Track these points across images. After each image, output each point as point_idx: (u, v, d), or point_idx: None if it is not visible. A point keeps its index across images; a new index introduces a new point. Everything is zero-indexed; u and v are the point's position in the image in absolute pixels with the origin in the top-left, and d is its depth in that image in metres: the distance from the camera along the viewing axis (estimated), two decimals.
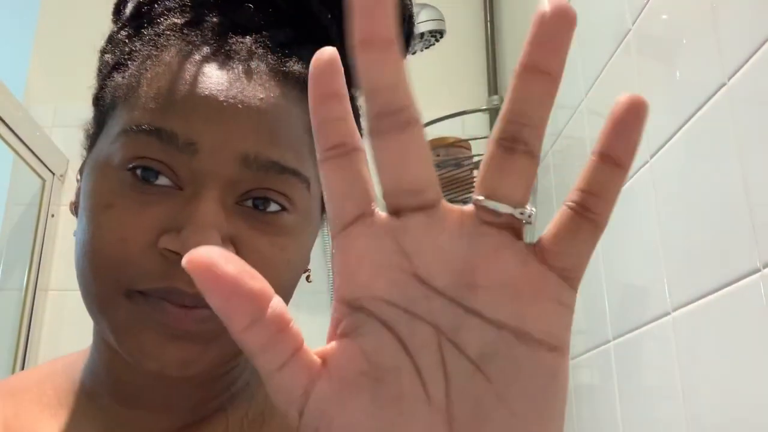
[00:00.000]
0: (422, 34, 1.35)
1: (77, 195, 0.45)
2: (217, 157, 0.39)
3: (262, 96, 0.41)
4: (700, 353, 0.71)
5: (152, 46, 0.44)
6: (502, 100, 1.61)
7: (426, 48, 1.40)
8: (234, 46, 0.43)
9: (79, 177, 0.47)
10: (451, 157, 1.46)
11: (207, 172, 0.39)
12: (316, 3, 0.46)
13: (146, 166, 0.40)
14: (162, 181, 0.40)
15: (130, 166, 0.40)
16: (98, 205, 0.40)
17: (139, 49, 0.44)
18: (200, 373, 0.41)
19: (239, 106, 0.40)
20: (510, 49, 1.63)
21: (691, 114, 0.72)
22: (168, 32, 0.44)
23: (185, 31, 0.44)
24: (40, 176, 1.50)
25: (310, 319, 1.56)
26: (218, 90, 0.40)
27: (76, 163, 1.72)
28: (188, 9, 0.45)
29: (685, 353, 0.74)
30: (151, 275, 0.39)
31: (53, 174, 1.52)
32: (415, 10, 1.04)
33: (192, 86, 0.40)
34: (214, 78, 0.41)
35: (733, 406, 0.65)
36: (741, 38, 0.63)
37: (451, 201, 1.16)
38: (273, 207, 0.41)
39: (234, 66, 0.42)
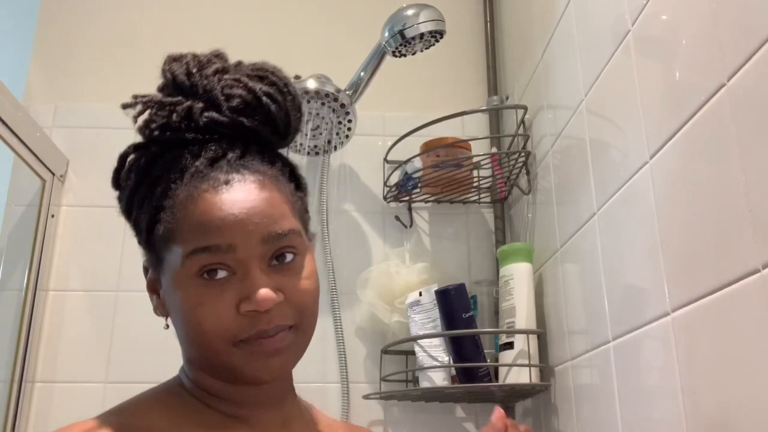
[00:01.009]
0: (422, 35, 1.35)
1: (161, 305, 0.69)
2: (248, 247, 0.62)
3: (258, 197, 0.64)
4: (700, 353, 0.71)
5: (172, 195, 0.64)
6: (502, 100, 1.62)
7: (426, 48, 1.40)
8: (230, 171, 0.65)
9: (153, 293, 0.70)
10: (451, 157, 1.46)
11: (246, 257, 0.62)
12: (275, 129, 0.70)
13: (210, 269, 0.62)
14: (221, 275, 0.63)
15: (199, 274, 0.62)
16: (193, 305, 0.63)
17: (164, 201, 0.65)
18: (287, 372, 0.69)
19: (248, 210, 0.63)
20: (510, 49, 1.63)
21: (691, 114, 0.72)
22: (177, 180, 0.65)
23: (188, 171, 0.65)
24: (40, 176, 1.50)
25: None
26: (233, 205, 0.63)
27: (75, 163, 1.71)
28: (182, 151, 0.66)
29: (685, 353, 0.74)
30: (245, 329, 0.62)
31: (53, 174, 1.52)
32: (415, 10, 1.27)
33: (217, 210, 0.63)
34: (226, 198, 0.63)
35: (733, 406, 0.65)
36: (741, 38, 0.63)
37: (450, 201, 1.18)
38: (289, 257, 0.65)
39: (235, 184, 0.64)
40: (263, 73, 0.72)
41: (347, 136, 1.54)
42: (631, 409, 0.88)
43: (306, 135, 1.51)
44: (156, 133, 0.67)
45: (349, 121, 1.50)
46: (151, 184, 0.66)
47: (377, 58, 1.43)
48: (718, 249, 0.67)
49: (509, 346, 1.23)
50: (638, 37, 0.87)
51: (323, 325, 1.50)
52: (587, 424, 1.05)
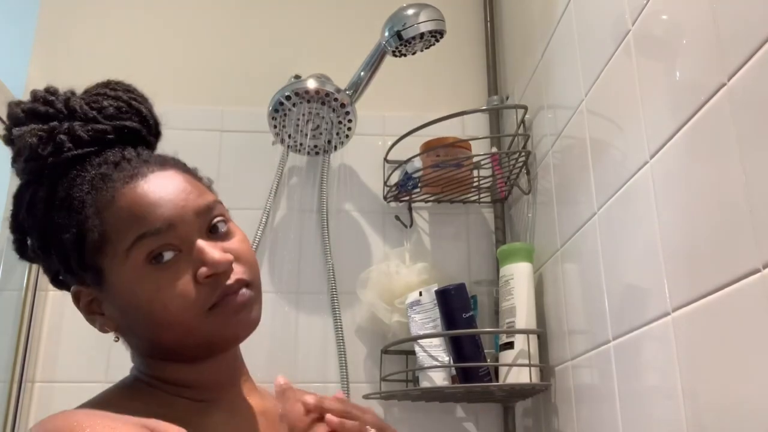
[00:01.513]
0: (422, 35, 1.35)
1: (108, 321, 0.69)
2: (185, 222, 0.66)
3: (177, 178, 0.68)
4: (700, 353, 0.71)
5: (91, 204, 0.65)
6: (502, 100, 1.62)
7: (426, 48, 1.39)
8: (137, 166, 0.67)
9: (92, 315, 0.70)
10: (451, 157, 1.46)
11: (187, 232, 0.66)
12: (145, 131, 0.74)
13: (156, 254, 0.64)
14: (168, 257, 0.65)
15: (148, 261, 0.64)
16: (153, 291, 0.64)
17: (83, 212, 0.65)
18: (256, 326, 0.69)
19: (175, 190, 0.67)
20: (510, 49, 1.63)
21: (691, 114, 0.72)
22: (90, 190, 0.66)
23: (97, 179, 0.66)
24: None
25: (310, 319, 1.57)
26: (160, 189, 0.66)
27: None
28: (84, 172, 0.67)
29: (685, 353, 0.74)
30: (211, 294, 0.65)
31: None
32: (415, 10, 1.29)
33: (147, 197, 0.65)
34: (150, 185, 0.66)
35: (733, 406, 0.65)
36: (741, 38, 0.63)
37: (450, 201, 1.18)
38: (222, 227, 0.69)
39: (149, 174, 0.67)
40: (115, 85, 0.73)
41: (347, 136, 1.54)
42: (631, 409, 0.88)
43: (306, 135, 1.51)
44: (48, 159, 0.67)
45: (349, 121, 1.50)
46: (62, 206, 0.66)
47: (377, 57, 1.43)
48: (718, 249, 0.67)
49: (509, 346, 1.23)
50: (638, 37, 0.87)
51: (323, 325, 1.50)
52: (587, 424, 1.05)
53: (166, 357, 0.69)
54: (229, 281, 0.65)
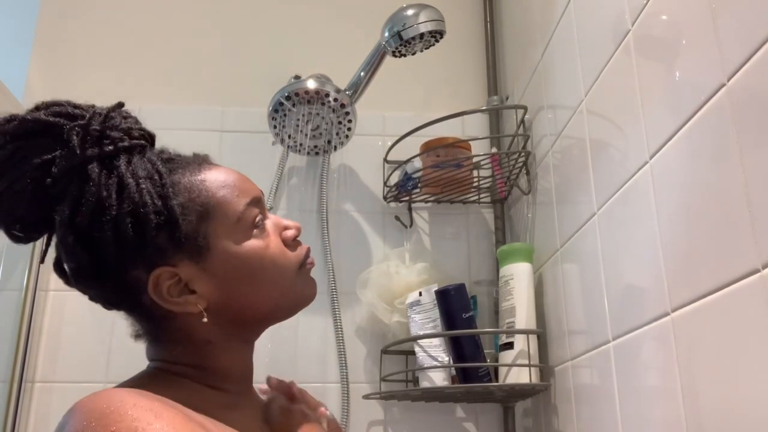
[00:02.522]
0: (422, 35, 1.35)
1: (201, 298, 0.70)
2: (262, 194, 0.77)
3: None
4: (700, 353, 0.71)
5: (176, 190, 0.68)
6: (502, 100, 1.62)
7: (426, 48, 1.40)
8: (185, 158, 0.74)
9: (188, 294, 0.70)
10: (451, 158, 1.46)
11: (263, 204, 0.76)
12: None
13: (260, 219, 0.73)
14: (264, 222, 0.74)
15: (255, 224, 0.72)
16: (262, 251, 0.72)
17: (173, 199, 0.67)
18: None
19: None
20: (510, 49, 1.63)
21: (691, 114, 0.72)
22: (164, 173, 0.68)
23: (165, 165, 0.70)
24: None
25: (310, 319, 1.57)
26: (231, 169, 0.75)
27: None
28: (143, 162, 0.69)
29: (684, 353, 0.74)
30: (300, 254, 0.76)
31: None
32: (415, 10, 1.32)
33: (233, 173, 0.74)
34: (221, 167, 0.74)
35: (733, 406, 0.65)
36: (741, 38, 0.63)
37: (450, 201, 1.18)
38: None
39: (203, 158, 0.75)
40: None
41: (347, 136, 1.54)
42: (631, 409, 0.88)
43: (306, 135, 1.51)
44: (116, 144, 0.68)
45: (349, 121, 1.50)
46: (148, 197, 0.65)
47: (377, 58, 1.43)
48: (718, 249, 0.67)
49: (509, 346, 1.23)
50: (638, 37, 0.87)
51: (323, 325, 1.50)
52: (587, 424, 1.05)
53: (245, 324, 0.73)
54: (304, 245, 0.77)
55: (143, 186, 0.65)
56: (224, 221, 0.69)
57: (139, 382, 0.69)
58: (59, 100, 0.72)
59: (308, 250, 0.77)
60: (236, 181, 0.73)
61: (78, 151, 0.65)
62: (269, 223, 0.75)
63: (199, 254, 0.68)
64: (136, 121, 0.73)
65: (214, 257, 0.69)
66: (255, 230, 0.71)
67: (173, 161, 0.71)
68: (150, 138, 0.73)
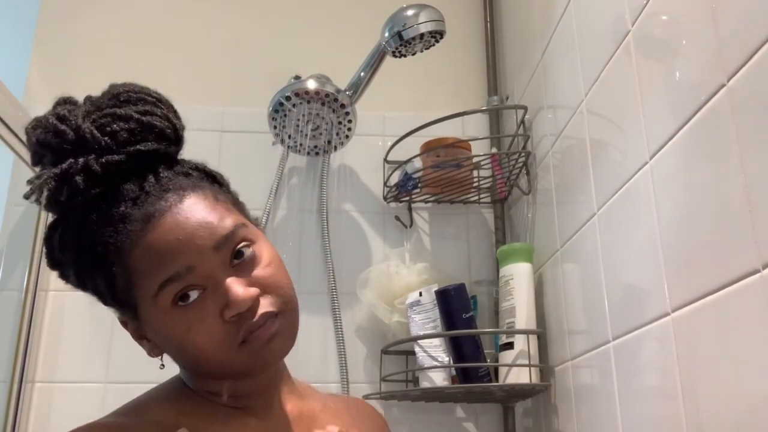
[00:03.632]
0: (422, 35, 1.35)
1: (154, 347, 0.71)
2: (205, 261, 0.64)
3: (192, 211, 0.65)
4: (700, 353, 0.71)
5: (113, 250, 0.64)
6: (502, 100, 1.62)
7: (426, 48, 1.39)
8: (155, 201, 0.65)
9: (142, 340, 0.72)
10: (451, 158, 1.46)
11: (208, 271, 0.64)
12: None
13: (182, 295, 0.64)
14: (194, 296, 0.64)
15: (174, 303, 0.64)
16: (183, 333, 0.65)
17: (109, 258, 0.65)
18: (288, 352, 0.69)
19: (189, 228, 0.64)
20: (510, 49, 1.63)
21: (691, 114, 0.72)
22: (112, 235, 0.64)
23: (117, 221, 0.64)
24: None
25: (310, 319, 1.57)
26: (173, 230, 0.64)
27: None
28: (102, 207, 0.66)
29: (685, 353, 0.74)
30: (237, 334, 0.65)
31: None
32: (415, 10, 1.28)
33: (162, 241, 0.63)
34: (164, 228, 0.64)
35: (733, 406, 0.65)
36: (741, 38, 0.63)
37: (450, 201, 1.18)
38: (247, 252, 0.67)
39: (165, 212, 0.64)
40: (125, 96, 0.71)
41: (347, 136, 1.54)
42: (631, 409, 0.88)
43: (306, 135, 1.51)
44: (68, 204, 0.66)
45: (349, 121, 1.50)
46: (90, 249, 0.66)
47: (377, 58, 1.43)
48: (718, 249, 0.67)
49: (509, 346, 1.23)
50: (638, 37, 0.87)
51: (323, 325, 1.50)
52: (587, 424, 1.05)
53: (205, 377, 0.71)
54: (255, 318, 0.65)
55: (81, 251, 0.67)
56: (142, 297, 0.65)
57: (149, 395, 0.73)
58: (47, 123, 0.68)
59: (252, 325, 0.65)
60: (156, 255, 0.63)
61: (44, 204, 0.67)
62: (209, 296, 0.64)
63: (135, 317, 0.68)
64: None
65: (145, 325, 0.68)
66: (177, 309, 0.64)
67: (123, 218, 0.65)
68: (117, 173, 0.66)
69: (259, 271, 0.67)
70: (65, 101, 0.73)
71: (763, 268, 0.60)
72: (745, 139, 0.63)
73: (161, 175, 0.68)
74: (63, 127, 0.67)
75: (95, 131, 0.66)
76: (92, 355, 1.45)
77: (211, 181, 0.73)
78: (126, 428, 0.66)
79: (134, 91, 0.71)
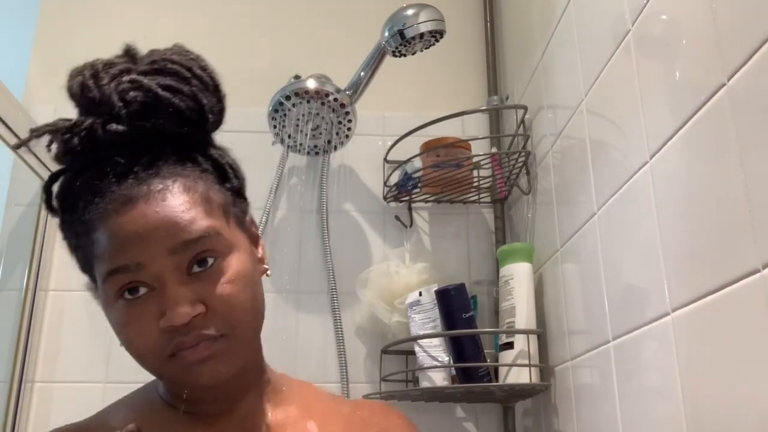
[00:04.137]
0: (422, 35, 1.35)
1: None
2: (156, 262, 0.60)
3: (163, 207, 0.61)
4: (700, 353, 0.71)
5: (85, 220, 0.63)
6: (502, 100, 1.62)
7: (426, 48, 1.39)
8: (135, 184, 0.62)
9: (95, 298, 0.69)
10: (451, 158, 1.46)
11: (158, 272, 0.60)
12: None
13: (128, 288, 0.61)
14: (142, 291, 0.61)
15: (120, 294, 0.62)
16: (120, 325, 0.63)
17: (79, 227, 0.64)
18: (230, 377, 0.63)
19: (150, 225, 0.60)
20: (510, 49, 1.63)
21: (691, 114, 0.72)
22: (88, 204, 0.62)
23: (96, 193, 0.62)
24: (40, 176, 1.50)
25: (310, 319, 1.57)
26: (135, 222, 0.60)
27: None
28: (90, 173, 0.64)
29: (685, 353, 0.74)
30: (167, 345, 0.61)
31: None
32: (415, 10, 1.25)
33: (120, 230, 0.61)
34: (128, 217, 0.61)
35: (733, 406, 0.65)
36: (741, 38, 0.63)
37: (450, 201, 1.17)
38: (210, 261, 0.62)
39: (140, 199, 0.61)
40: (161, 65, 0.67)
41: (347, 136, 1.54)
42: (631, 409, 0.88)
43: (306, 135, 1.51)
44: (61, 159, 0.65)
45: (349, 121, 1.50)
46: (70, 211, 0.65)
47: (377, 58, 1.43)
48: (718, 249, 0.67)
49: (509, 346, 1.23)
50: (638, 37, 0.87)
51: (323, 325, 1.50)
52: (587, 424, 1.05)
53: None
54: (184, 337, 0.60)
55: (65, 208, 0.66)
56: (98, 277, 0.63)
57: (116, 402, 0.75)
58: (84, 72, 0.70)
59: (180, 343, 0.61)
60: (111, 243, 0.61)
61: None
62: (154, 296, 0.61)
63: (97, 290, 0.66)
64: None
65: (100, 301, 0.66)
66: (121, 299, 0.62)
67: (98, 193, 0.63)
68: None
69: (215, 287, 0.62)
70: (126, 52, 0.72)
71: (763, 268, 0.60)
72: (745, 139, 0.63)
73: (160, 157, 0.65)
74: (90, 82, 0.66)
75: (114, 96, 0.64)
76: (92, 355, 1.45)
77: (217, 174, 0.69)
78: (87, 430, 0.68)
79: (172, 61, 0.68)
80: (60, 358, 1.45)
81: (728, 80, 0.65)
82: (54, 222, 1.53)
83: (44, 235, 1.49)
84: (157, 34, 1.71)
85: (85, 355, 1.45)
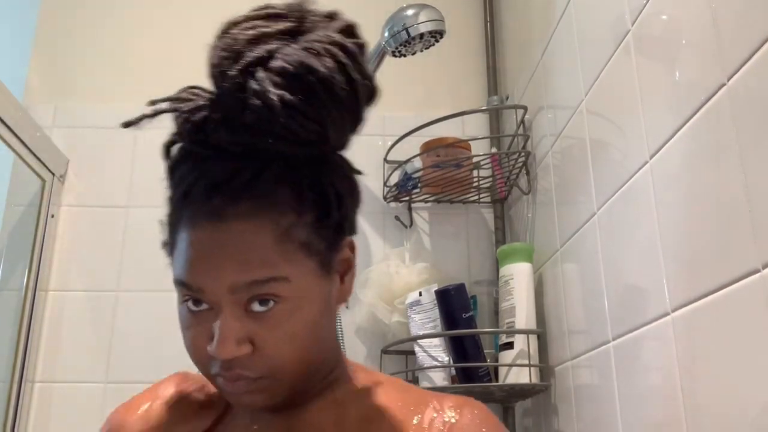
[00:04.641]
0: (422, 35, 1.35)
1: None
2: (216, 293, 0.59)
3: (238, 240, 0.58)
4: (700, 353, 0.71)
5: (173, 212, 0.62)
6: (502, 100, 1.62)
7: (426, 48, 1.40)
8: (223, 203, 0.58)
9: None
10: (451, 158, 1.46)
11: (216, 301, 0.59)
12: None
13: (192, 299, 0.61)
14: (203, 306, 0.60)
15: (185, 300, 0.61)
16: (182, 327, 0.63)
17: (168, 214, 0.63)
18: (273, 403, 0.63)
19: (219, 256, 0.58)
20: (510, 49, 1.63)
21: (691, 114, 0.72)
22: (184, 194, 0.61)
23: (193, 187, 0.60)
24: (40, 177, 1.50)
25: None
26: (206, 247, 0.59)
27: (75, 163, 1.71)
28: (193, 164, 0.61)
29: (685, 353, 0.74)
30: (212, 368, 0.61)
31: (53, 174, 1.52)
32: (415, 10, 1.22)
33: (192, 249, 0.59)
34: (203, 237, 0.59)
35: (733, 406, 0.65)
36: (741, 38, 0.63)
37: (450, 201, 1.17)
38: (271, 304, 0.59)
39: (220, 223, 0.58)
40: (301, 71, 0.58)
41: None
42: (631, 409, 0.88)
43: None
44: (174, 138, 0.63)
45: None
46: (174, 184, 0.63)
47: (377, 58, 1.43)
48: (718, 249, 0.67)
49: (509, 346, 1.23)
50: (638, 37, 0.87)
51: None
52: (587, 424, 1.05)
53: None
54: (226, 372, 0.60)
55: (169, 182, 0.65)
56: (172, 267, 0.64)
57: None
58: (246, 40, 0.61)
59: (221, 372, 0.61)
60: (186, 254, 0.60)
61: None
62: (213, 314, 0.60)
63: None
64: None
65: None
66: (185, 305, 0.61)
67: (189, 194, 0.61)
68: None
69: (268, 333, 0.59)
70: (298, 10, 0.63)
71: (763, 268, 0.60)
72: (745, 139, 0.63)
73: (261, 174, 0.60)
74: (228, 61, 0.61)
75: (235, 98, 0.58)
76: (92, 355, 1.45)
77: (317, 206, 0.62)
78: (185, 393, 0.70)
79: (314, 72, 0.58)
80: (60, 358, 1.45)
81: (728, 80, 0.66)
82: (54, 222, 1.54)
83: (44, 235, 1.49)
84: (157, 35, 1.72)
85: (85, 355, 1.45)
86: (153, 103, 0.64)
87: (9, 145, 1.36)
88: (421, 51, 1.40)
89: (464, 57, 1.73)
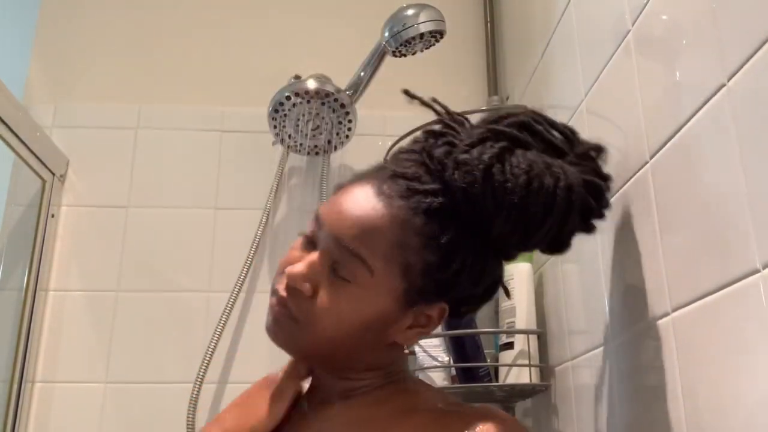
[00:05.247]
0: (422, 35, 1.35)
1: None
2: (327, 234, 0.68)
3: (367, 210, 0.67)
4: (700, 353, 0.71)
5: None
6: (502, 100, 1.62)
7: (426, 48, 1.40)
8: (381, 179, 0.70)
9: None
10: None
11: (320, 240, 0.69)
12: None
13: (306, 236, 0.71)
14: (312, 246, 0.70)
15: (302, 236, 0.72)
16: (291, 248, 0.72)
17: None
18: (284, 346, 0.70)
19: (349, 208, 0.68)
20: (510, 49, 1.63)
21: (691, 114, 0.72)
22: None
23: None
24: (40, 177, 1.50)
25: None
26: (346, 197, 0.69)
27: (76, 163, 1.71)
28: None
29: (685, 353, 0.74)
30: (278, 282, 0.70)
31: (53, 174, 1.52)
32: (415, 10, 1.29)
33: (335, 194, 0.71)
34: (348, 192, 0.70)
35: (733, 406, 0.65)
36: (741, 38, 0.63)
37: None
38: (343, 273, 0.66)
39: (366, 188, 0.69)
40: (533, 188, 0.69)
41: (347, 136, 1.54)
42: (631, 409, 0.88)
43: (306, 135, 1.51)
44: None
45: (349, 121, 1.50)
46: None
47: (377, 58, 1.43)
48: (718, 249, 0.67)
49: (509, 346, 1.23)
50: (638, 37, 0.87)
51: None
52: (587, 424, 1.05)
53: None
54: (275, 285, 0.69)
55: None
56: None
57: None
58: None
59: (272, 288, 0.72)
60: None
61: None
62: (308, 249, 0.71)
63: None
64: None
65: None
66: (300, 238, 0.74)
67: None
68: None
69: (327, 295, 0.67)
70: (567, 135, 0.78)
71: (763, 268, 0.60)
72: (745, 139, 0.63)
73: (414, 191, 0.71)
74: (440, 166, 0.76)
75: (490, 202, 0.68)
76: (92, 355, 1.45)
77: (439, 252, 0.68)
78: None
79: (545, 190, 0.69)
80: (60, 358, 1.45)
81: (728, 80, 0.65)
82: (54, 222, 1.54)
83: (44, 235, 1.49)
84: (156, 35, 1.72)
85: (85, 355, 1.45)
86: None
87: (9, 145, 1.36)
88: (421, 51, 1.40)
89: (464, 57, 1.73)
